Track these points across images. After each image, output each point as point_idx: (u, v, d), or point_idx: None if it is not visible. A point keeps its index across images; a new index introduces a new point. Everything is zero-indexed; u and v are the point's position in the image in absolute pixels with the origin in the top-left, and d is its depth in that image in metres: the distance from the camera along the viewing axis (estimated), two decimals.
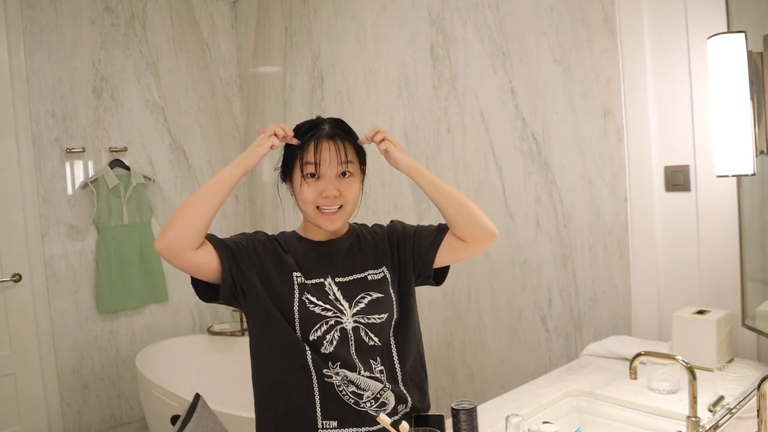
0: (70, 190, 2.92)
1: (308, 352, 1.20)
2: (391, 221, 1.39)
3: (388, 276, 1.31)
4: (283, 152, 1.28)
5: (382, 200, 2.64)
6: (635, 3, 1.74)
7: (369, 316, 1.24)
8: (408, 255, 1.33)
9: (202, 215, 1.13)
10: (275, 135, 1.19)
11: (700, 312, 1.55)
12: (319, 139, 1.21)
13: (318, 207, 1.22)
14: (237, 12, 3.52)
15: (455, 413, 1.12)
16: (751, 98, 1.27)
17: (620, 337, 1.76)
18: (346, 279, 1.27)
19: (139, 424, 3.11)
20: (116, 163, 3.02)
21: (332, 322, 1.21)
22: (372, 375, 1.23)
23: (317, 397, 1.19)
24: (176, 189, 3.29)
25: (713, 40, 1.29)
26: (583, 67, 1.91)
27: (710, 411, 1.16)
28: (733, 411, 1.16)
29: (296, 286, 1.22)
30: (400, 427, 0.98)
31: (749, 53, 1.27)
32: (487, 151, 2.22)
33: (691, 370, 1.06)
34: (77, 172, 2.95)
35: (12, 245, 2.74)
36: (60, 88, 2.88)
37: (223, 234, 1.34)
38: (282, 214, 3.28)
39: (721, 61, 1.28)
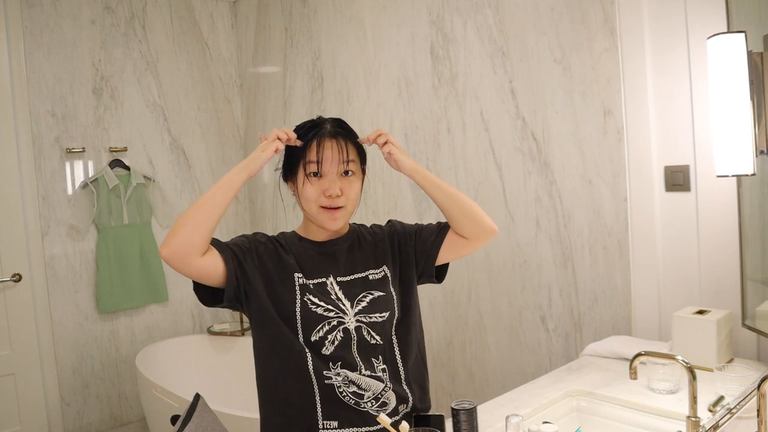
0: (70, 190, 2.92)
1: (308, 355, 1.19)
2: (389, 221, 1.40)
3: (388, 275, 1.31)
4: (284, 152, 1.28)
5: (382, 200, 2.64)
6: (635, 3, 1.74)
7: (371, 315, 1.24)
8: (410, 254, 1.34)
9: (209, 221, 1.12)
10: (279, 139, 1.19)
11: (700, 312, 1.55)
12: (322, 138, 1.21)
13: (321, 206, 1.22)
14: (237, 12, 3.52)
15: (455, 413, 1.12)
16: (751, 98, 1.27)
17: (620, 337, 1.76)
18: (348, 278, 1.27)
19: (139, 424, 3.11)
20: (116, 163, 3.02)
21: (334, 323, 1.21)
22: (373, 374, 1.23)
23: (317, 399, 1.19)
24: (176, 189, 3.29)
25: (713, 40, 1.29)
26: (583, 67, 1.91)
27: (710, 411, 1.16)
28: (733, 411, 1.16)
29: (297, 288, 1.21)
30: (400, 427, 0.98)
31: (749, 53, 1.27)
32: (487, 151, 2.22)
33: (691, 370, 1.06)
34: (77, 172, 2.95)
35: (12, 245, 2.74)
36: (60, 88, 2.88)
37: (222, 235, 1.34)
38: (284, 214, 3.28)
39: (721, 61, 1.28)
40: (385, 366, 1.26)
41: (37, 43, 2.81)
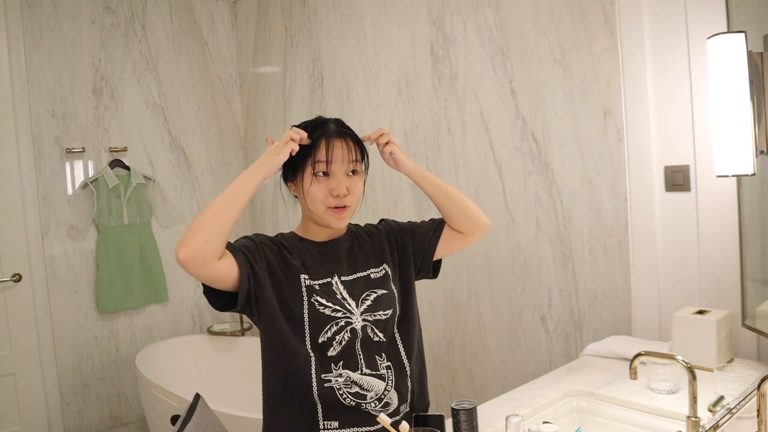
0: (70, 190, 2.92)
1: (313, 360, 1.19)
2: (383, 220, 1.42)
3: (389, 272, 1.33)
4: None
5: (382, 200, 2.64)
6: (635, 3, 1.74)
7: (375, 313, 1.25)
8: (408, 251, 1.36)
9: (226, 224, 1.10)
10: (292, 140, 1.18)
11: (700, 312, 1.55)
12: (330, 138, 1.21)
13: (327, 206, 1.22)
14: (237, 12, 3.52)
15: (455, 413, 1.12)
16: (751, 98, 1.27)
17: (620, 337, 1.76)
18: (351, 277, 1.27)
19: (139, 424, 3.11)
20: (116, 163, 3.02)
21: (342, 323, 1.21)
22: (376, 373, 1.23)
23: (318, 401, 1.19)
24: (176, 189, 3.29)
25: (713, 40, 1.29)
26: (583, 67, 1.91)
27: (710, 411, 1.16)
28: (733, 411, 1.16)
29: (305, 289, 1.21)
30: (400, 427, 0.98)
31: (749, 53, 1.27)
32: (487, 151, 2.22)
33: (691, 370, 1.06)
34: (77, 172, 2.95)
35: (12, 245, 2.74)
36: (60, 88, 2.88)
37: None
38: (284, 214, 3.28)
39: (721, 61, 1.28)
40: (389, 363, 1.26)
41: (37, 43, 2.81)
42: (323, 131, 1.21)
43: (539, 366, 2.11)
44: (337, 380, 1.20)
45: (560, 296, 2.04)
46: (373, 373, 1.23)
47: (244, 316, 2.37)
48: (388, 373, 1.25)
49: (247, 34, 3.45)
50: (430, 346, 2.47)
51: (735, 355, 1.57)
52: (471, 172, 2.28)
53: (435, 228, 1.37)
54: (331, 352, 1.20)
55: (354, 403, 1.20)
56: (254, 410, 2.08)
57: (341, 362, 1.21)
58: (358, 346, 1.22)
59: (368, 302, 1.26)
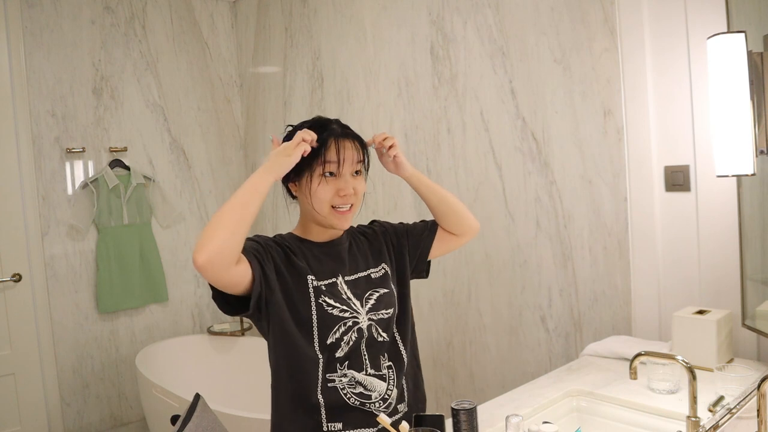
0: (70, 190, 2.92)
1: (320, 362, 1.19)
2: (374, 221, 1.43)
3: (388, 271, 1.34)
4: None
5: (382, 200, 2.64)
6: (635, 3, 1.74)
7: (378, 312, 1.26)
8: (404, 252, 1.37)
9: (245, 226, 1.08)
10: (304, 141, 1.16)
11: (700, 312, 1.55)
12: (339, 138, 1.21)
13: (332, 206, 1.22)
14: (237, 12, 3.52)
15: (455, 413, 1.12)
16: (751, 98, 1.27)
17: (620, 337, 1.76)
18: (353, 277, 1.28)
19: (139, 424, 3.11)
20: (116, 163, 3.03)
21: (350, 323, 1.21)
22: (378, 373, 1.24)
23: (321, 402, 1.19)
24: (176, 189, 3.29)
25: (713, 40, 1.29)
26: (583, 67, 1.91)
27: (710, 411, 1.16)
28: (733, 411, 1.16)
29: (312, 290, 1.20)
30: (400, 427, 0.98)
31: (749, 53, 1.27)
32: (487, 151, 2.22)
33: (691, 370, 1.06)
34: (77, 172, 2.95)
35: (12, 245, 2.74)
36: (60, 88, 2.88)
37: None
38: (287, 214, 3.28)
39: (721, 61, 1.28)
40: (390, 363, 1.27)
41: (37, 43, 2.81)
42: (330, 132, 1.21)
43: (539, 366, 2.11)
44: (341, 380, 1.20)
45: (560, 296, 2.04)
46: (377, 373, 1.24)
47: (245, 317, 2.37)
48: (389, 372, 1.26)
49: (247, 34, 3.45)
50: (430, 346, 2.47)
51: (735, 355, 1.57)
52: (471, 172, 2.28)
53: (429, 229, 1.41)
54: (339, 353, 1.20)
55: (358, 403, 1.20)
56: (254, 410, 2.09)
57: (346, 362, 1.21)
58: (363, 346, 1.23)
59: (372, 301, 1.26)
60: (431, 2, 2.34)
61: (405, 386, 1.29)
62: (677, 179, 1.70)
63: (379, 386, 1.23)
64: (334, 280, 1.24)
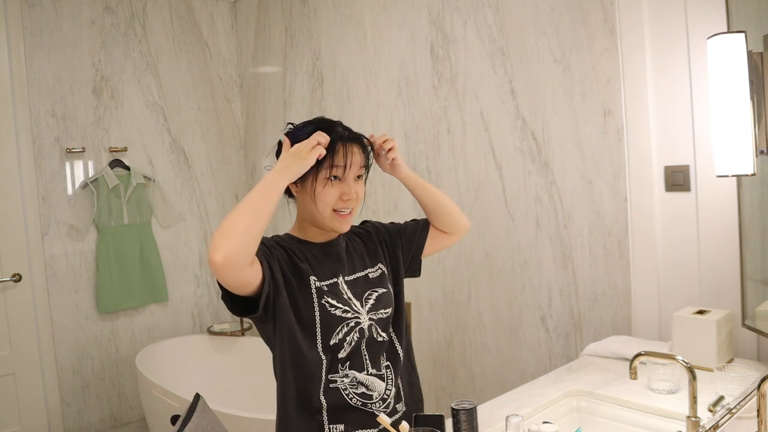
0: (70, 190, 2.92)
1: (324, 363, 1.19)
2: (365, 221, 1.43)
3: (385, 271, 1.34)
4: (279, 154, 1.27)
5: (382, 200, 2.64)
6: (635, 3, 1.74)
7: (378, 312, 1.26)
8: (398, 251, 1.38)
9: (261, 227, 1.06)
10: (319, 144, 1.15)
11: (700, 312, 1.55)
12: (347, 143, 1.20)
13: (334, 209, 1.21)
14: (237, 12, 3.52)
15: (455, 413, 1.12)
16: (751, 98, 1.27)
17: (620, 337, 1.76)
18: (352, 277, 1.28)
19: (139, 424, 3.11)
20: (116, 163, 3.03)
21: (352, 324, 1.21)
22: (378, 373, 1.24)
23: (323, 403, 1.19)
24: (176, 189, 3.29)
25: (713, 40, 1.29)
26: (583, 67, 1.91)
27: (710, 411, 1.16)
28: (733, 411, 1.16)
29: (314, 291, 1.20)
30: (400, 427, 0.98)
31: (749, 53, 1.27)
32: (487, 151, 2.22)
33: (691, 370, 1.06)
34: (77, 172, 2.95)
35: (12, 245, 2.74)
36: (60, 88, 2.88)
37: None
38: (288, 215, 3.28)
39: (721, 61, 1.28)
40: (388, 363, 1.27)
41: (37, 43, 2.81)
42: (338, 136, 1.20)
43: (539, 366, 2.11)
44: (343, 381, 1.20)
45: (560, 296, 2.04)
46: (377, 373, 1.24)
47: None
48: (387, 372, 1.26)
49: (247, 34, 3.45)
50: (430, 346, 2.47)
51: (735, 355, 1.57)
52: (471, 172, 2.28)
53: (421, 228, 1.42)
54: (342, 354, 1.20)
55: (360, 404, 1.20)
56: (254, 410, 2.09)
57: (348, 363, 1.21)
58: (363, 346, 1.23)
59: (371, 301, 1.26)
60: (431, 2, 2.34)
61: (400, 386, 1.29)
62: (677, 179, 1.70)
63: (379, 386, 1.23)
64: (335, 280, 1.24)
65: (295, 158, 1.13)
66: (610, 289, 1.90)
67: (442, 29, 2.32)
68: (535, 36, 2.03)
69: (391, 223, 1.44)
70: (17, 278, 2.73)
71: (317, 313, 1.19)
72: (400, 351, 1.31)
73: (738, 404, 1.18)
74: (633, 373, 1.15)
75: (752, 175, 1.29)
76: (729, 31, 1.37)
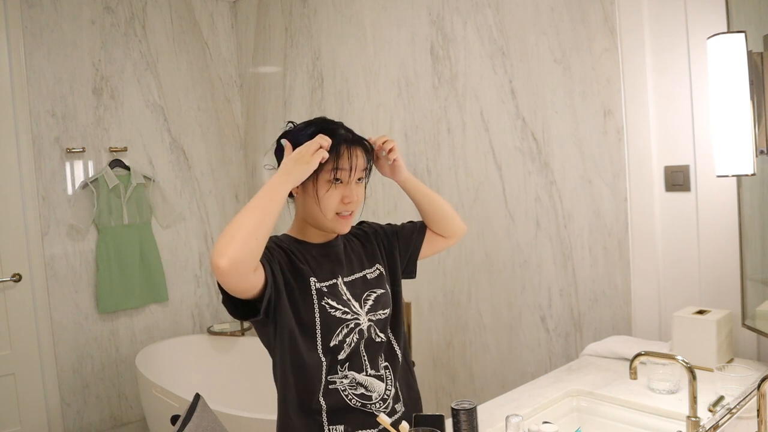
0: (70, 190, 2.92)
1: (324, 365, 1.19)
2: (363, 222, 1.43)
3: (383, 272, 1.34)
4: (280, 156, 1.26)
5: (382, 200, 2.64)
6: (635, 3, 1.74)
7: (376, 313, 1.26)
8: (395, 252, 1.38)
9: (267, 231, 1.06)
10: (321, 148, 1.14)
11: (700, 312, 1.55)
12: (351, 146, 1.20)
13: (337, 211, 1.21)
14: (237, 12, 3.52)
15: (455, 413, 1.12)
16: (751, 98, 1.27)
17: (620, 337, 1.76)
18: (350, 278, 1.28)
19: (139, 424, 3.11)
20: (116, 163, 3.02)
21: (352, 325, 1.21)
22: (377, 373, 1.24)
23: (323, 404, 1.19)
24: (176, 189, 3.29)
25: (713, 40, 1.29)
26: (583, 67, 1.91)
27: (710, 411, 1.16)
28: (733, 411, 1.16)
29: (314, 292, 1.20)
30: (400, 427, 0.98)
31: (749, 53, 1.27)
32: (487, 151, 2.22)
33: (691, 370, 1.06)
34: (77, 172, 2.95)
35: (12, 245, 2.74)
36: (60, 88, 2.88)
37: None
38: (289, 215, 3.28)
39: (721, 61, 1.28)
40: (387, 363, 1.27)
41: (37, 43, 2.81)
42: (342, 138, 1.19)
43: (539, 366, 2.11)
44: (342, 382, 1.20)
45: (560, 296, 2.04)
46: (376, 373, 1.24)
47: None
48: (386, 373, 1.26)
49: (247, 34, 3.45)
50: (430, 346, 2.47)
51: (735, 355, 1.57)
52: (471, 172, 2.28)
53: (418, 230, 1.42)
54: (341, 356, 1.20)
55: (360, 404, 1.20)
56: (254, 410, 2.09)
57: (347, 364, 1.21)
58: (362, 347, 1.23)
59: (370, 302, 1.26)
60: (431, 2, 2.34)
61: (398, 387, 1.29)
62: (677, 179, 1.70)
63: (379, 386, 1.23)
64: (334, 281, 1.24)
65: (298, 162, 1.12)
66: (610, 289, 1.90)
67: (442, 29, 2.32)
68: (535, 36, 2.03)
69: (388, 224, 1.44)
70: (17, 278, 2.73)
71: (317, 315, 1.18)
72: (398, 352, 1.31)
73: (738, 404, 1.18)
74: (633, 373, 1.15)
75: (752, 175, 1.29)
76: (729, 31, 1.37)
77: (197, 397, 1.72)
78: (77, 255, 2.94)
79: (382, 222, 1.45)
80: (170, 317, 3.27)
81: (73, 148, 2.91)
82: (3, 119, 2.71)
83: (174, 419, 1.76)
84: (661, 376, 1.40)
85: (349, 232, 1.36)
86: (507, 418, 1.08)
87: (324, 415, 1.19)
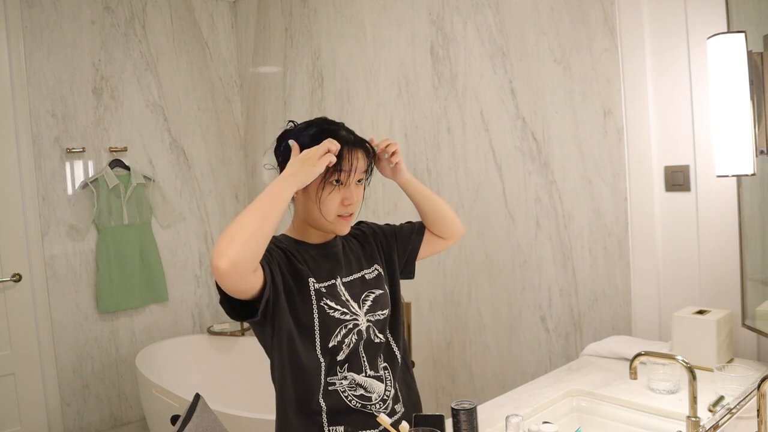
0: (70, 190, 2.92)
1: (323, 366, 1.18)
2: (362, 222, 1.42)
3: (381, 272, 1.34)
4: (283, 156, 1.26)
5: (382, 201, 2.64)
6: (635, 3, 1.74)
7: (375, 314, 1.26)
8: (393, 253, 1.38)
9: (268, 233, 1.05)
10: (329, 151, 1.13)
11: (700, 312, 1.55)
12: (353, 148, 1.20)
13: (338, 213, 1.21)
14: (237, 12, 3.52)
15: (455, 413, 1.12)
16: (751, 98, 1.27)
17: (620, 337, 1.76)
18: (349, 278, 1.28)
19: (139, 424, 3.11)
20: (116, 163, 3.02)
21: (350, 326, 1.21)
22: (377, 374, 1.24)
23: (323, 405, 1.19)
24: (176, 189, 3.29)
25: (713, 40, 1.29)
26: (583, 67, 1.91)
27: (710, 411, 1.16)
28: (733, 411, 1.16)
29: (313, 293, 1.20)
30: (400, 427, 0.98)
31: (749, 53, 1.27)
32: (487, 151, 2.22)
33: (691, 370, 1.06)
34: (77, 172, 2.95)
35: (12, 245, 2.74)
36: (60, 88, 2.88)
37: None
38: (288, 215, 3.28)
39: (721, 61, 1.28)
40: (386, 364, 1.27)
41: (37, 43, 2.81)
42: (343, 140, 1.19)
43: (539, 366, 2.11)
44: (341, 383, 1.20)
45: (560, 296, 2.04)
46: (375, 374, 1.24)
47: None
48: (385, 373, 1.26)
49: (247, 34, 3.45)
50: (430, 346, 2.47)
51: (735, 355, 1.57)
52: (471, 172, 2.28)
53: (416, 231, 1.42)
54: (340, 356, 1.20)
55: (360, 405, 1.20)
56: (254, 410, 2.09)
57: (346, 365, 1.21)
58: (361, 348, 1.23)
59: (369, 302, 1.26)
60: (431, 2, 2.34)
61: (404, 385, 1.30)
62: (677, 179, 1.70)
63: (378, 387, 1.23)
64: (333, 281, 1.24)
65: (305, 165, 1.11)
66: (610, 289, 1.90)
67: (442, 29, 2.32)
68: (535, 36, 2.03)
69: (387, 224, 1.44)
70: (17, 278, 2.73)
71: (316, 315, 1.18)
72: (397, 352, 1.31)
73: (738, 404, 1.18)
74: (633, 373, 1.15)
75: (752, 175, 1.29)
76: (729, 31, 1.37)
77: (197, 397, 1.72)
78: (77, 255, 2.94)
79: (382, 222, 1.45)
80: (170, 317, 3.27)
81: (73, 148, 2.91)
82: (3, 119, 2.71)
83: (174, 419, 1.76)
84: (661, 376, 1.40)
85: (348, 233, 1.36)
86: (507, 418, 1.08)
87: (324, 416, 1.18)
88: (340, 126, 1.24)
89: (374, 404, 1.21)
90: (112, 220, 3.00)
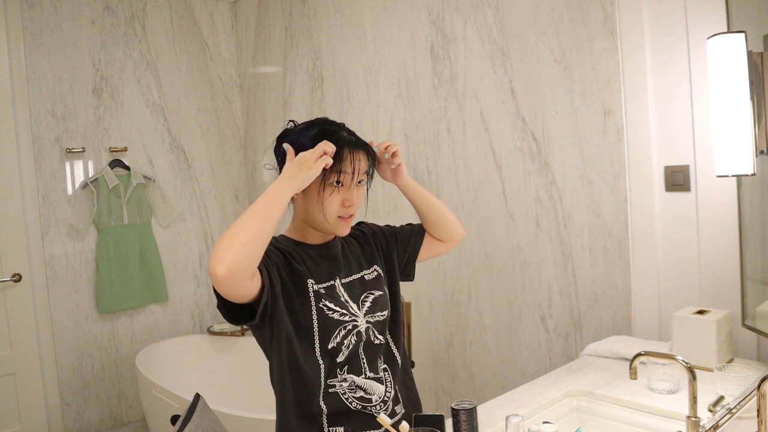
0: (70, 190, 2.92)
1: (322, 368, 1.18)
2: (362, 223, 1.42)
3: (381, 273, 1.34)
4: (283, 156, 1.26)
5: (382, 201, 2.64)
6: (635, 3, 1.74)
7: (374, 315, 1.26)
8: (393, 255, 1.38)
9: (266, 237, 1.04)
10: (325, 154, 1.13)
11: (700, 312, 1.55)
12: (354, 149, 1.19)
13: (338, 215, 1.21)
14: (237, 12, 3.52)
15: (455, 413, 1.12)
16: (751, 98, 1.27)
17: (620, 337, 1.76)
18: (348, 279, 1.27)
19: (139, 424, 3.11)
20: (116, 163, 3.03)
21: (349, 327, 1.21)
22: (376, 376, 1.24)
23: (323, 406, 1.18)
24: (176, 189, 3.29)
25: (713, 40, 1.29)
26: (583, 67, 1.91)
27: (710, 411, 1.16)
28: (733, 411, 1.16)
29: (312, 294, 1.19)
30: (400, 427, 0.98)
31: (749, 53, 1.27)
32: (487, 151, 2.22)
33: (691, 370, 1.06)
34: (77, 172, 2.95)
35: (12, 245, 2.74)
36: (60, 88, 2.88)
37: None
38: (288, 215, 3.28)
39: (721, 61, 1.28)
40: (386, 365, 1.27)
41: (37, 43, 2.81)
42: (344, 141, 1.18)
43: (539, 366, 2.11)
44: (341, 385, 1.19)
45: (560, 296, 2.04)
46: (375, 376, 1.24)
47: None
48: (385, 375, 1.26)
49: (247, 34, 3.45)
50: (430, 346, 2.47)
51: (735, 355, 1.57)
52: (471, 172, 2.28)
53: (416, 233, 1.42)
54: (340, 358, 1.20)
55: (360, 407, 1.20)
56: (254, 410, 2.09)
57: (346, 367, 1.20)
58: (361, 349, 1.22)
59: (368, 303, 1.26)
60: (431, 2, 2.34)
61: (403, 386, 1.30)
62: (677, 179, 1.70)
63: (378, 389, 1.23)
64: (332, 282, 1.23)
65: (301, 168, 1.10)
66: (610, 289, 1.90)
67: (442, 29, 2.32)
68: (535, 36, 2.03)
69: (387, 225, 1.43)
70: (17, 278, 2.73)
71: (314, 317, 1.18)
72: (396, 353, 1.30)
73: (738, 404, 1.18)
74: (633, 373, 1.15)
75: (752, 175, 1.29)
76: (729, 31, 1.37)
77: (197, 397, 1.72)
78: (77, 255, 2.94)
79: (382, 223, 1.44)
80: (170, 317, 3.27)
81: (73, 148, 2.91)
82: (3, 119, 2.71)
83: (174, 419, 1.76)
84: (661, 376, 1.40)
85: (348, 234, 1.36)
86: (507, 418, 1.08)
87: (324, 417, 1.18)
88: (341, 126, 1.23)
89: (374, 405, 1.21)
90: (112, 220, 3.00)
